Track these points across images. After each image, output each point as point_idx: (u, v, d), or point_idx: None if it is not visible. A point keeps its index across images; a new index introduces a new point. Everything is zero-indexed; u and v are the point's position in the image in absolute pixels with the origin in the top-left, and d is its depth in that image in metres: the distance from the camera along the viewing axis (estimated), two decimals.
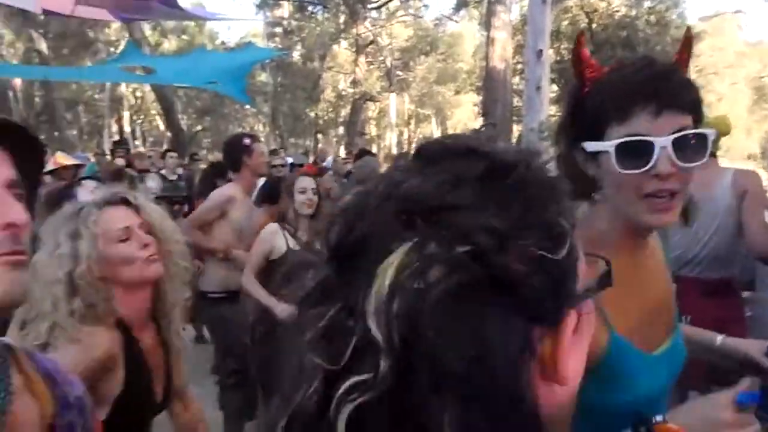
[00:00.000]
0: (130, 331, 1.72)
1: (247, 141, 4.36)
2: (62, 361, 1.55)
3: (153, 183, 8.24)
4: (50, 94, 25.70)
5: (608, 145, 1.17)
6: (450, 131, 40.80)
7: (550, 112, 10.35)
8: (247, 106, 25.18)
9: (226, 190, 4.39)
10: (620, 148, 1.15)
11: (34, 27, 23.87)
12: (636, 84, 1.16)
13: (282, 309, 3.61)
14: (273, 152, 15.41)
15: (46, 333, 1.63)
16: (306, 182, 3.99)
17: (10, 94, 26.25)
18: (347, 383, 0.57)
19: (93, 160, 11.93)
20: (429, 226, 0.58)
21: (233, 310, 4.14)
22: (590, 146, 1.21)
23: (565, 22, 18.40)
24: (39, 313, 1.63)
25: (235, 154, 4.39)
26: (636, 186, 1.17)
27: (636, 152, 1.14)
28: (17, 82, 25.66)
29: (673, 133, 1.14)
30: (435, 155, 0.65)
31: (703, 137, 1.17)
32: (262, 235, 3.93)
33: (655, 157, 1.13)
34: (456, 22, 29.53)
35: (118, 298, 1.69)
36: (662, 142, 1.13)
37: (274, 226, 3.93)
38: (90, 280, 1.62)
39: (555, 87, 16.48)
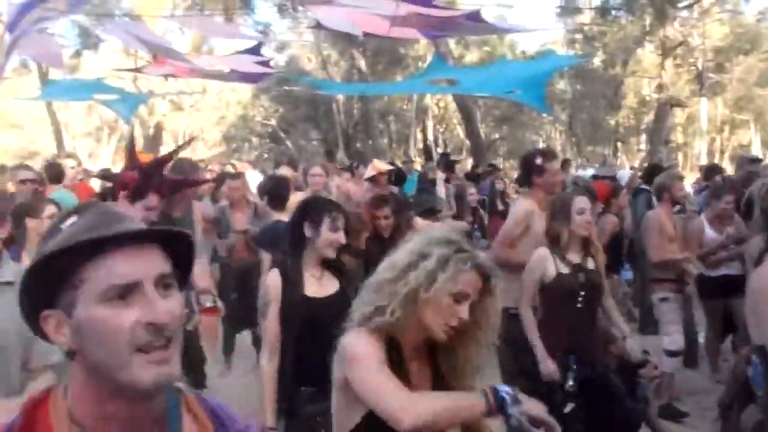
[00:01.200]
0: (400, 350, 1.86)
1: (538, 160, 4.24)
2: (354, 342, 1.83)
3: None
4: (366, 105, 28.42)
5: None
6: None
7: None
8: (545, 114, 25.17)
9: (525, 204, 4.36)
10: None
11: (355, 47, 26.63)
12: None
13: (548, 367, 3.52)
14: (564, 163, 15.13)
15: (363, 319, 1.86)
16: (584, 202, 3.77)
17: (334, 106, 29.67)
18: None
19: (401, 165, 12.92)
20: None
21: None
22: None
23: None
24: (366, 293, 1.89)
25: (527, 171, 4.37)
26: None
27: None
28: (340, 96, 28.88)
29: None
30: None
31: None
32: (531, 262, 3.78)
33: None
34: None
35: (408, 325, 1.83)
36: None
37: (544, 250, 3.77)
38: (423, 303, 1.80)
39: None
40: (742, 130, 36.18)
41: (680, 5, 21.96)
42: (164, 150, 32.43)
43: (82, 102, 21.58)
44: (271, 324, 2.98)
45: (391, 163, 9.44)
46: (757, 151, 34.72)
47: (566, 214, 3.71)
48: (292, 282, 2.97)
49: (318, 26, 10.59)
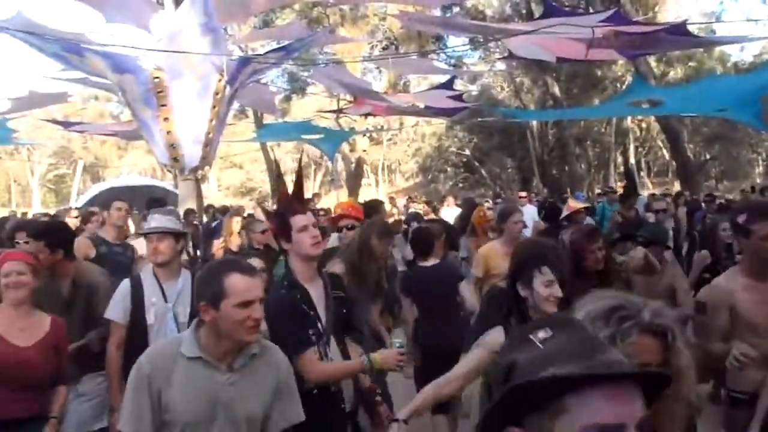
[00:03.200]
0: None
1: (741, 218, 3.15)
2: None
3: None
4: (562, 131, 27.79)
5: None
6: None
7: None
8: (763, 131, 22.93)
9: (720, 281, 3.34)
10: None
11: (548, 73, 26.23)
12: None
13: None
14: None
15: None
16: None
17: (528, 133, 29.38)
18: None
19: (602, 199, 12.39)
20: None
21: None
22: None
23: None
24: None
25: (733, 231, 3.37)
26: None
27: None
28: (534, 123, 28.54)
29: None
30: None
31: None
32: None
33: None
34: None
35: None
36: None
37: None
38: None
39: None
40: None
41: None
42: (365, 182, 34.09)
43: (291, 141, 23.40)
44: None
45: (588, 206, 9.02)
46: None
47: None
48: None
49: (510, 56, 10.62)
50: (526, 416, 1.05)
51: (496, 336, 2.90)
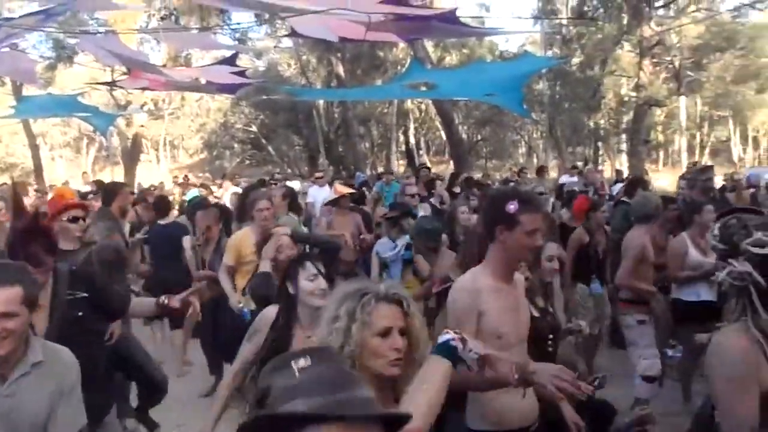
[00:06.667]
0: None
1: (511, 207, 2.60)
2: None
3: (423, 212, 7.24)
4: (346, 112, 28.38)
5: None
6: (751, 134, 36.59)
7: None
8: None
9: (468, 280, 2.74)
10: None
11: (332, 52, 26.57)
12: None
13: None
14: (541, 170, 15.05)
15: None
16: (553, 249, 3.88)
17: (314, 112, 29.62)
18: None
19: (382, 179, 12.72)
20: None
21: None
22: None
23: None
24: None
25: (490, 218, 2.72)
26: None
27: None
28: (320, 102, 28.82)
29: None
30: None
31: None
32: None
33: None
34: (760, 10, 26.29)
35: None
36: None
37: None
38: (357, 357, 1.84)
39: None
40: (720, 126, 36.56)
41: (656, 4, 22.09)
42: (144, 158, 32.12)
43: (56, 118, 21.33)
44: None
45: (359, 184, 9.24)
46: (736, 145, 35.15)
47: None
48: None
49: (293, 34, 10.50)
50: None
51: (266, 321, 3.00)
